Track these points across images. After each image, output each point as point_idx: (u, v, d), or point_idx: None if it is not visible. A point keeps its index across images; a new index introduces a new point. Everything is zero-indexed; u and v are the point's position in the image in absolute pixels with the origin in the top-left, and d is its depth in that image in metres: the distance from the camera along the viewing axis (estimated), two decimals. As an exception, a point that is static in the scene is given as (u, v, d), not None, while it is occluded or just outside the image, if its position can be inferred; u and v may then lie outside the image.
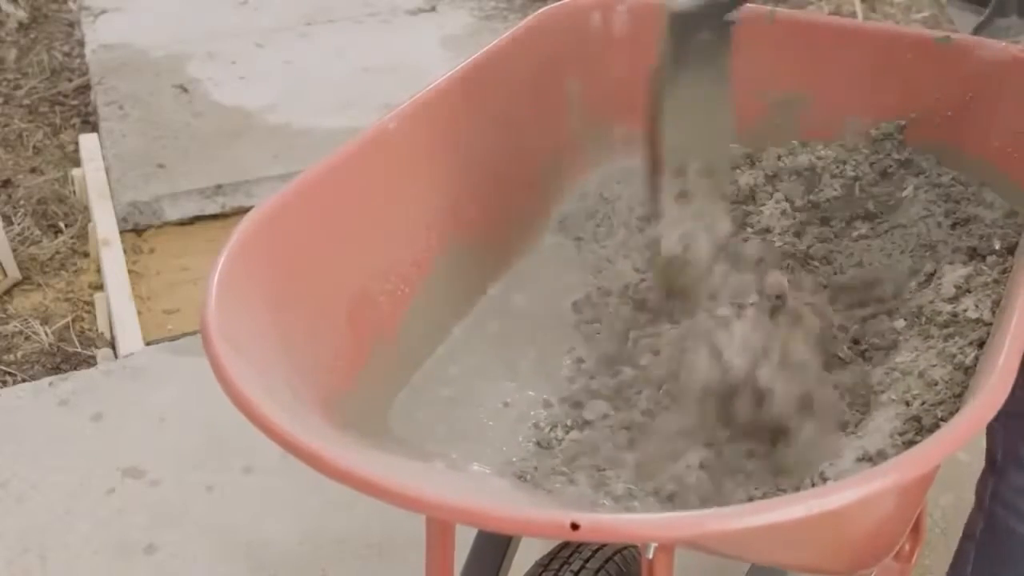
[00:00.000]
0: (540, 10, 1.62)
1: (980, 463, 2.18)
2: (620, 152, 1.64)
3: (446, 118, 1.42)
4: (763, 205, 1.62)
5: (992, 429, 1.52)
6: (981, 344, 1.27)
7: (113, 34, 4.20)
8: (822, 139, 1.65)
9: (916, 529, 1.50)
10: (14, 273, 2.92)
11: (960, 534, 2.05)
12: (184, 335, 2.72)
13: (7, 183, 3.32)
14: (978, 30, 1.70)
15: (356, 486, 0.86)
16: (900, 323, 1.37)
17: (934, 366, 1.27)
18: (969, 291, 1.35)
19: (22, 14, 4.34)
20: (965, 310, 1.33)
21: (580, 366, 1.42)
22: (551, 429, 1.32)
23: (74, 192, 3.29)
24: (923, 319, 1.35)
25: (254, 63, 4.01)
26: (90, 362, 2.63)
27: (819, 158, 1.62)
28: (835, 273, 1.53)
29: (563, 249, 1.58)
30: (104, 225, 3.04)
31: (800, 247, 1.57)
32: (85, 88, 3.88)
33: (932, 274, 1.43)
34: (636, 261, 1.59)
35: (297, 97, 3.75)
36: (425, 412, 1.30)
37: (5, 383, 2.56)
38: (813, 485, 1.18)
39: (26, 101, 3.78)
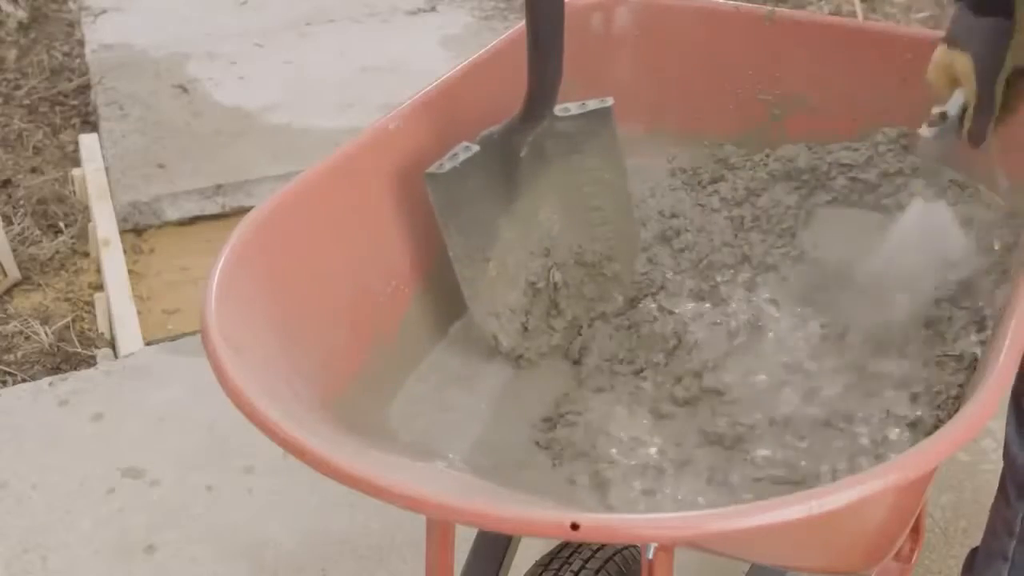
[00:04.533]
0: (540, 10, 1.62)
1: (980, 463, 2.18)
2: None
3: (446, 118, 1.42)
4: (762, 206, 1.61)
5: (1013, 456, 1.51)
6: (981, 344, 1.27)
7: (113, 34, 4.20)
8: (821, 140, 1.64)
9: (916, 529, 1.50)
10: (14, 273, 2.92)
11: (960, 534, 2.06)
12: (184, 335, 2.72)
13: (7, 183, 3.31)
14: (978, 30, 1.69)
15: (356, 486, 0.86)
16: (900, 323, 1.37)
17: (934, 366, 1.27)
18: (970, 291, 1.35)
19: (22, 14, 4.34)
20: (966, 308, 1.33)
21: (580, 364, 1.42)
22: (551, 428, 1.32)
23: (74, 192, 3.29)
24: (923, 319, 1.35)
25: (254, 63, 4.01)
26: (90, 362, 2.63)
27: (818, 159, 1.62)
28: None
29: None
30: (104, 225, 3.04)
31: (799, 248, 1.57)
32: (85, 88, 3.88)
33: (932, 274, 1.43)
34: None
35: (297, 97, 3.75)
36: (424, 411, 1.30)
37: (5, 383, 2.56)
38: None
39: (26, 101, 3.78)
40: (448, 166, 1.32)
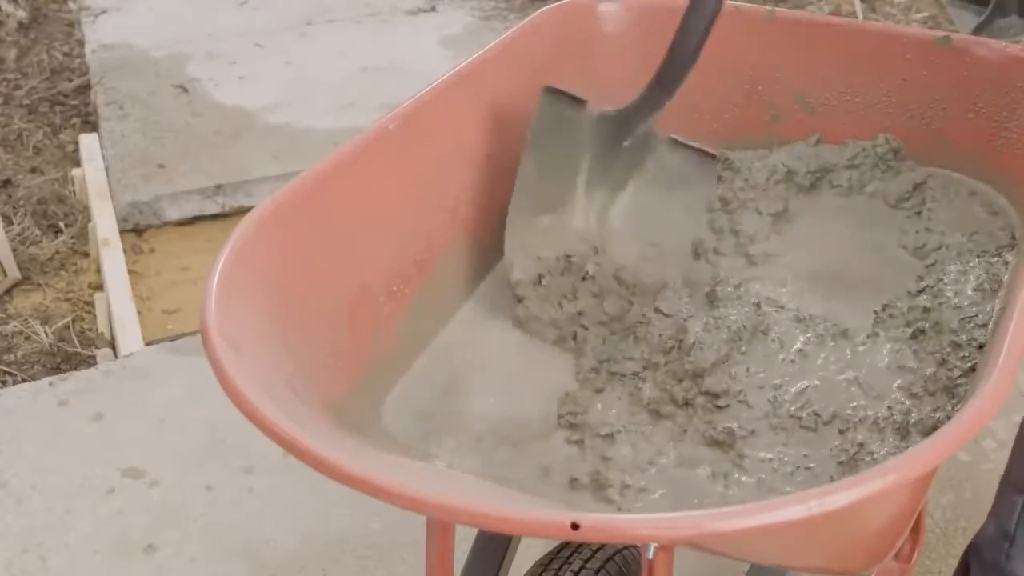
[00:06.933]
0: (540, 10, 1.62)
1: (980, 463, 2.19)
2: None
3: (446, 118, 1.42)
4: (762, 206, 1.61)
5: (1001, 501, 1.51)
6: (981, 345, 1.27)
7: (113, 34, 4.20)
8: (821, 140, 1.64)
9: (916, 529, 1.50)
10: (14, 273, 2.92)
11: (960, 534, 2.06)
12: (184, 335, 2.73)
13: (7, 183, 3.32)
14: (978, 30, 1.70)
15: (356, 486, 0.86)
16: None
17: (934, 366, 1.27)
18: (969, 291, 1.35)
19: (22, 14, 4.34)
20: (965, 309, 1.33)
21: (580, 364, 1.42)
22: (552, 428, 1.32)
23: (74, 192, 3.29)
24: (924, 320, 1.35)
25: (254, 63, 4.02)
26: (90, 362, 2.64)
27: (818, 159, 1.62)
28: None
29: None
30: (104, 225, 3.04)
31: (800, 247, 1.57)
32: (85, 88, 3.88)
33: (931, 275, 1.43)
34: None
35: (297, 97, 3.75)
36: (424, 411, 1.30)
37: (5, 383, 2.56)
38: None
39: (26, 101, 3.78)
40: (569, 95, 1.35)
